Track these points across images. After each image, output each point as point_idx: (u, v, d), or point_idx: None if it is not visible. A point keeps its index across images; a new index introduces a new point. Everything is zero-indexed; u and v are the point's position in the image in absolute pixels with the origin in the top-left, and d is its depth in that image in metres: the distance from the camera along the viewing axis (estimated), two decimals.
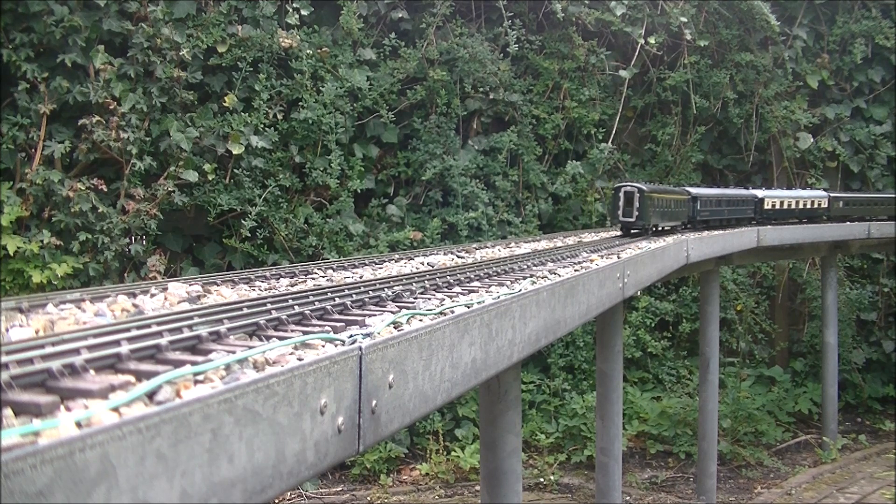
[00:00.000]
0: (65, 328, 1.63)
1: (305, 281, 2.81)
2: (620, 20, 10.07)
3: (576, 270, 3.42)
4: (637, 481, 8.37)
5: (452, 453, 8.44)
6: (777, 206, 8.44)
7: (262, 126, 8.45)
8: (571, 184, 9.84)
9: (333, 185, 8.72)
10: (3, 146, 7.64)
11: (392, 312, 2.12)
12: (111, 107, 7.69)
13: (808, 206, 9.02)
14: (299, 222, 8.61)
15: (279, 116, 8.55)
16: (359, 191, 9.00)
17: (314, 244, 8.60)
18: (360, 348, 1.62)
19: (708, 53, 10.54)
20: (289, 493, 7.80)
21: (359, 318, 2.04)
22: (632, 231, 5.90)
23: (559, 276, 3.18)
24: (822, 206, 9.26)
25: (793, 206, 8.73)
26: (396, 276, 2.71)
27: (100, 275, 7.66)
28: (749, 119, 10.70)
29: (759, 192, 8.39)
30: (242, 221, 8.30)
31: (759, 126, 10.72)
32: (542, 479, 8.26)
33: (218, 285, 2.48)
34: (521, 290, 2.64)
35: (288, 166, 8.74)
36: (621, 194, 5.75)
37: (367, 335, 1.79)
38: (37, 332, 1.61)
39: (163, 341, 1.54)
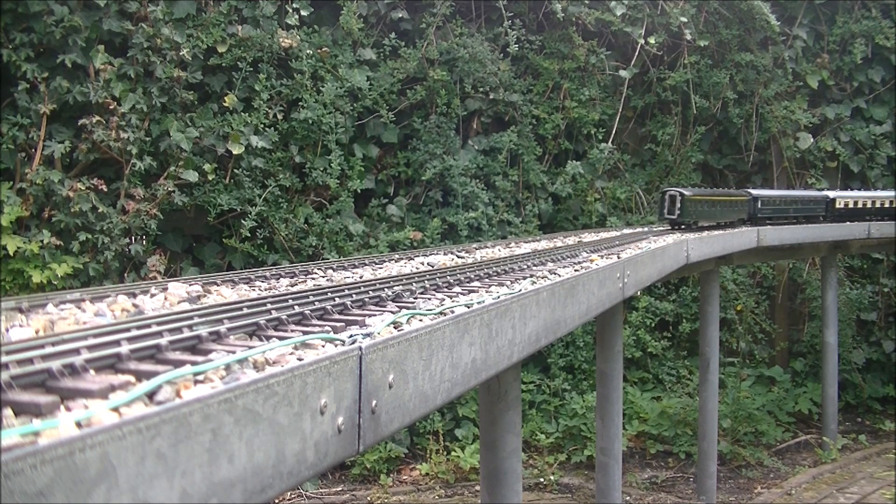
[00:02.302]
0: (65, 328, 1.63)
1: (305, 281, 2.81)
2: (620, 20, 10.07)
3: (576, 270, 3.42)
4: (637, 481, 8.37)
5: (452, 453, 8.44)
6: (850, 206, 9.34)
7: (262, 126, 8.45)
8: (571, 184, 9.84)
9: (333, 185, 8.72)
10: (3, 146, 7.64)
11: (392, 312, 2.12)
12: (111, 107, 7.69)
13: (889, 205, 9.67)
14: (299, 222, 8.61)
15: (279, 116, 8.55)
16: (359, 191, 9.00)
17: (314, 244, 8.60)
18: (360, 348, 1.62)
19: (708, 53, 10.54)
20: (289, 493, 7.80)
21: (359, 318, 2.04)
22: (679, 226, 6.95)
23: (559, 276, 3.18)
24: None
25: (868, 206, 9.48)
26: (396, 276, 2.71)
27: (100, 275, 7.66)
28: (749, 119, 10.70)
29: (831, 193, 9.36)
30: (242, 221, 8.30)
31: (759, 126, 10.72)
32: (542, 479, 8.26)
33: (218, 285, 2.48)
34: (521, 290, 2.64)
35: (288, 166, 8.74)
36: (667, 197, 6.85)
37: (367, 335, 1.79)
38: (37, 332, 1.61)
39: (163, 341, 1.54)
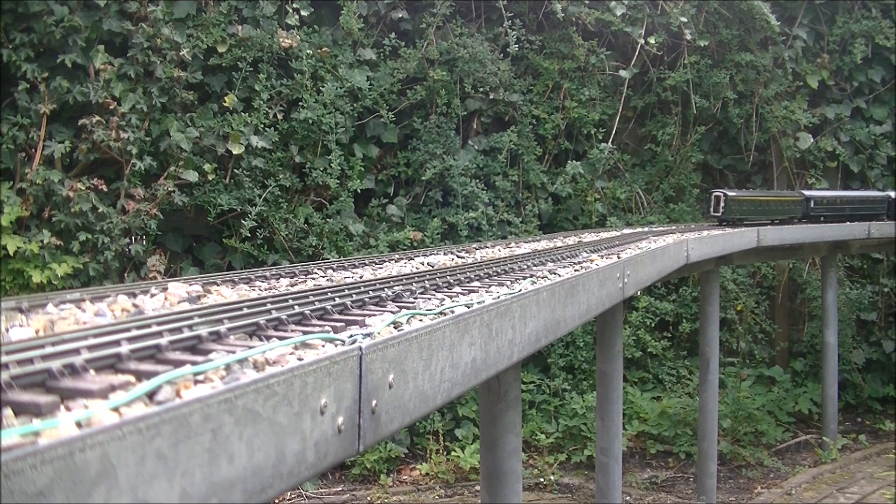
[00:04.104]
0: (65, 328, 1.63)
1: (305, 281, 2.81)
2: (620, 20, 10.06)
3: (576, 270, 3.42)
4: (637, 481, 8.37)
5: (452, 453, 8.44)
6: None
7: (262, 126, 8.45)
8: (571, 184, 9.84)
9: (333, 185, 8.72)
10: (3, 146, 7.64)
11: (392, 312, 2.11)
12: (111, 107, 7.69)
13: None
14: (299, 222, 8.61)
15: (279, 116, 8.55)
16: (359, 191, 9.00)
17: (314, 244, 8.60)
18: (360, 348, 1.62)
19: (708, 53, 10.54)
20: (289, 493, 7.80)
21: (359, 318, 2.04)
22: (724, 223, 7.75)
23: (559, 276, 3.18)
24: None
25: None
26: (396, 276, 2.70)
27: (100, 275, 7.66)
28: (749, 119, 10.70)
29: (893, 193, 10.01)
30: (242, 221, 8.29)
31: (759, 126, 10.72)
32: (542, 479, 8.26)
33: (218, 285, 2.48)
34: (521, 290, 2.64)
35: (288, 166, 8.74)
36: (712, 197, 7.75)
37: (367, 335, 1.79)
38: (37, 332, 1.61)
39: (163, 341, 1.54)
